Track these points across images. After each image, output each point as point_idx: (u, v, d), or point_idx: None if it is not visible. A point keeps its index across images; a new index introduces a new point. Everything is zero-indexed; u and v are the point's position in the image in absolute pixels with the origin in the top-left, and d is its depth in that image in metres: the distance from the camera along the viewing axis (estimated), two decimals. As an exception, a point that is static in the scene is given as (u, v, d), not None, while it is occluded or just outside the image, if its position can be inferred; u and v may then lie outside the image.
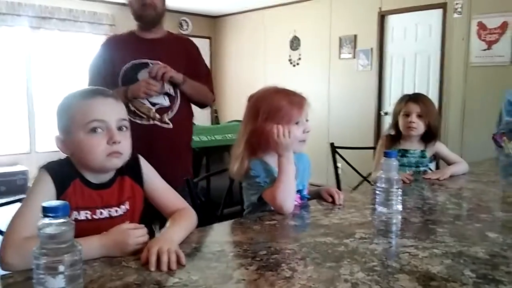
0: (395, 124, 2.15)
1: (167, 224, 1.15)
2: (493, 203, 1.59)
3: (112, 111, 1.12)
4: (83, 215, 1.11)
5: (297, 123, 1.44)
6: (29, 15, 5.49)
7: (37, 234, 0.76)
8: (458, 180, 1.99)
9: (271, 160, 1.46)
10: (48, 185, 1.07)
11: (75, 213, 1.09)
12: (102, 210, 1.14)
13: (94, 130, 1.08)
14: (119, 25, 6.32)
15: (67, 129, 1.10)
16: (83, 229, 0.96)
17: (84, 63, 5.97)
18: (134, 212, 1.21)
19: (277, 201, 1.36)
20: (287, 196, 1.37)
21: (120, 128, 1.12)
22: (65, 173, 1.10)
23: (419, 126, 2.07)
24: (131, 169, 1.20)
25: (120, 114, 1.13)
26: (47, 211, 0.76)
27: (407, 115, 2.08)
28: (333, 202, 1.51)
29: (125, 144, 1.13)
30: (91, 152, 1.08)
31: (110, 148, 1.09)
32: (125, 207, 1.18)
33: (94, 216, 1.13)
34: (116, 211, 1.16)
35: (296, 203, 1.45)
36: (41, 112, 5.80)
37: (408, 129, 2.08)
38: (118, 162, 1.13)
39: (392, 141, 2.16)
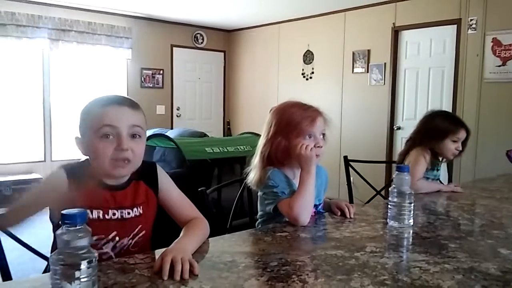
0: (437, 141, 2.09)
1: (181, 233, 1.17)
2: (506, 219, 1.58)
3: (125, 118, 1.13)
4: (95, 214, 1.14)
5: (310, 136, 1.45)
6: (48, 27, 5.63)
7: (56, 240, 0.79)
8: (471, 196, 1.98)
9: (288, 173, 1.48)
10: (61, 181, 1.11)
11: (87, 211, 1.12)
12: (114, 211, 1.16)
13: (104, 135, 1.11)
14: (135, 38, 6.45)
15: (84, 132, 1.15)
16: (94, 228, 0.93)
17: (101, 74, 6.14)
18: (147, 218, 1.23)
19: (293, 212, 1.36)
20: (304, 209, 1.37)
21: (133, 136, 1.14)
22: (81, 172, 1.14)
23: None
24: (147, 175, 1.22)
25: (133, 121, 1.14)
26: (65, 219, 0.78)
27: (456, 141, 2.06)
28: (342, 215, 1.51)
29: (136, 152, 1.14)
30: (98, 157, 1.12)
31: (116, 154, 1.11)
32: (138, 210, 1.20)
33: (106, 216, 1.15)
34: (129, 213, 1.18)
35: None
36: (57, 122, 5.91)
37: (453, 155, 2.09)
38: (123, 171, 1.14)
39: (433, 156, 2.12)
